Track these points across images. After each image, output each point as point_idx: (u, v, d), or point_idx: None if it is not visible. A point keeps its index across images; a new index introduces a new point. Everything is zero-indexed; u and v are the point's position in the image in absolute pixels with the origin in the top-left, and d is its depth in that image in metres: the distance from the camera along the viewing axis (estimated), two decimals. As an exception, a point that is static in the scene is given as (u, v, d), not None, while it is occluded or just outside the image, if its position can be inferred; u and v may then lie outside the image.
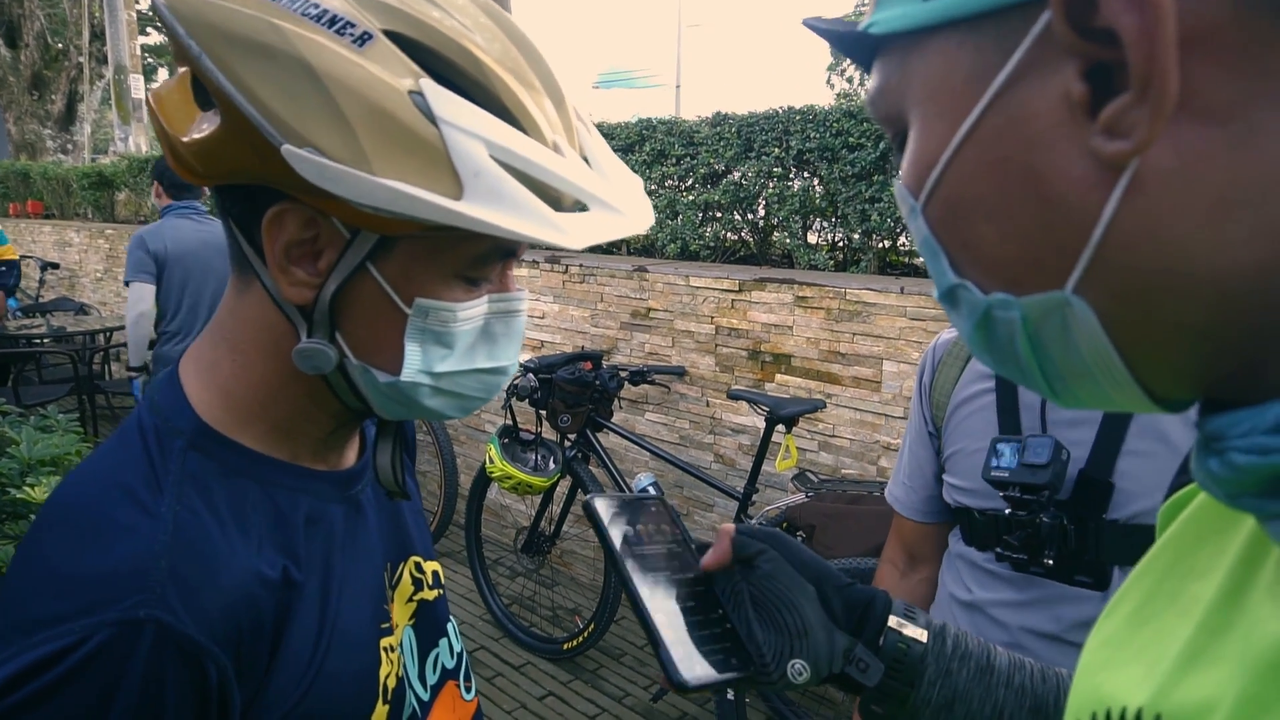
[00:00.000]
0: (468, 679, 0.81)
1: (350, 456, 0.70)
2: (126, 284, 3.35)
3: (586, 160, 0.60)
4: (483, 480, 3.37)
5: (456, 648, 0.81)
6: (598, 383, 3.02)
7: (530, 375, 2.98)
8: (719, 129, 3.46)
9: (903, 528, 1.29)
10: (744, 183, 3.41)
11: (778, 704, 2.62)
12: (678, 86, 19.81)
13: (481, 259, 0.58)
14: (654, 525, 0.65)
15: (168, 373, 0.63)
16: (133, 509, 0.53)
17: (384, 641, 0.67)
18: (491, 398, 0.66)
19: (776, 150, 3.25)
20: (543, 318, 3.85)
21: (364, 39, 0.51)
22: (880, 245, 3.17)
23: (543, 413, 3.09)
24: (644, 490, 3.05)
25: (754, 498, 2.79)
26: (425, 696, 0.73)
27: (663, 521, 0.66)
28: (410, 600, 0.74)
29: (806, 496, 2.59)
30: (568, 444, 3.14)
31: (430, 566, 0.79)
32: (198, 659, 0.51)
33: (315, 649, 0.59)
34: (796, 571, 0.62)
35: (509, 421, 3.07)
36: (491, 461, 2.93)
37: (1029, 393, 1.00)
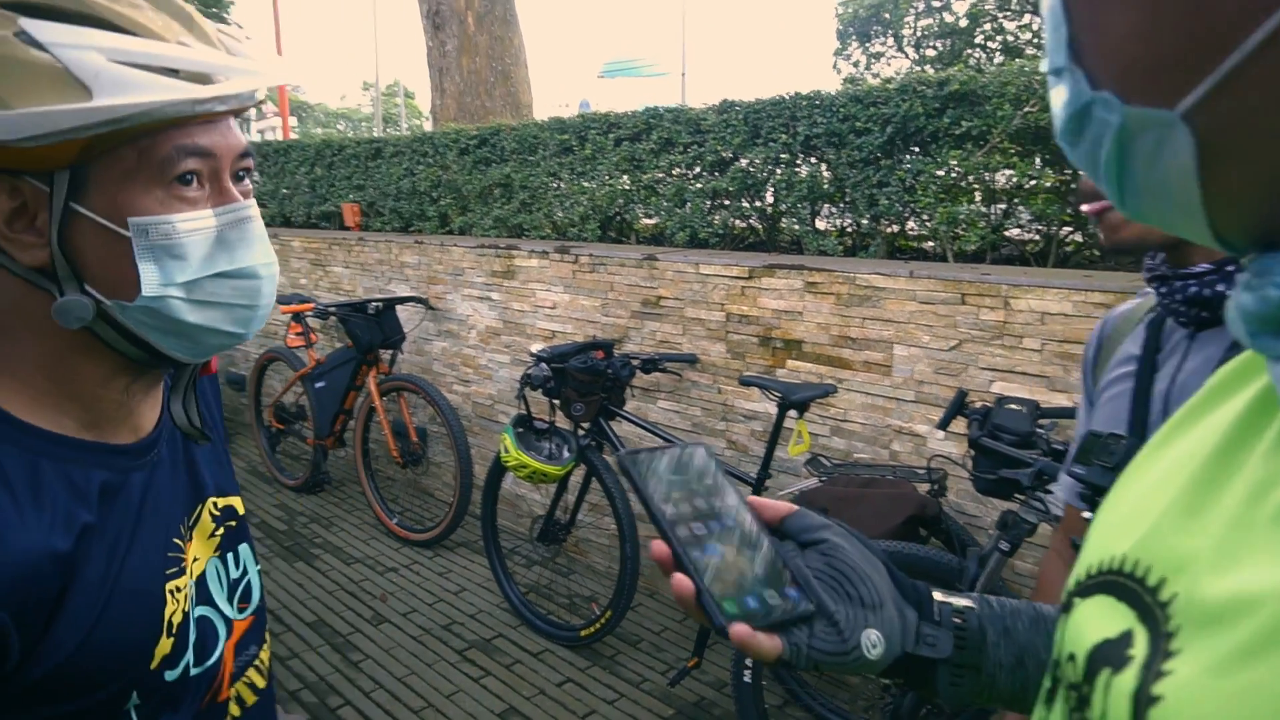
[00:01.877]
0: (244, 600, 0.86)
1: (149, 423, 0.76)
2: None
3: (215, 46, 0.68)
4: (498, 470, 3.41)
5: (254, 575, 0.89)
6: (610, 371, 3.04)
7: (543, 364, 3.01)
8: (726, 116, 3.46)
9: (1068, 515, 1.21)
10: (751, 170, 3.42)
11: (794, 686, 2.64)
12: (683, 74, 19.72)
13: (169, 161, 0.64)
14: (695, 476, 0.61)
15: None
16: None
17: (170, 585, 0.74)
18: (259, 304, 0.72)
19: (784, 137, 3.25)
20: (554, 308, 3.87)
21: None
22: (889, 230, 3.17)
23: (556, 402, 3.12)
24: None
25: (767, 483, 2.81)
26: (232, 614, 0.83)
27: (705, 474, 0.62)
28: (213, 536, 0.83)
29: (820, 481, 2.62)
30: (581, 432, 3.16)
31: (224, 501, 0.87)
32: None
33: (96, 602, 0.66)
34: (863, 545, 0.61)
35: (523, 411, 3.09)
36: (507, 451, 2.96)
37: (1162, 381, 0.98)
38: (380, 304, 4.23)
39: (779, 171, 3.33)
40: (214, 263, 0.67)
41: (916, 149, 2.98)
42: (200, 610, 0.78)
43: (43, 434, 0.66)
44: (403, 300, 4.41)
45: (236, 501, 0.89)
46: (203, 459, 0.85)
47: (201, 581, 0.80)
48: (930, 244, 3.29)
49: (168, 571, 0.74)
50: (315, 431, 4.66)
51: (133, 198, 0.64)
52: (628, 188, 3.86)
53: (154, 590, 0.72)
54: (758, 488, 2.79)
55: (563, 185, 4.17)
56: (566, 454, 3.01)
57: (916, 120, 2.88)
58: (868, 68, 22.56)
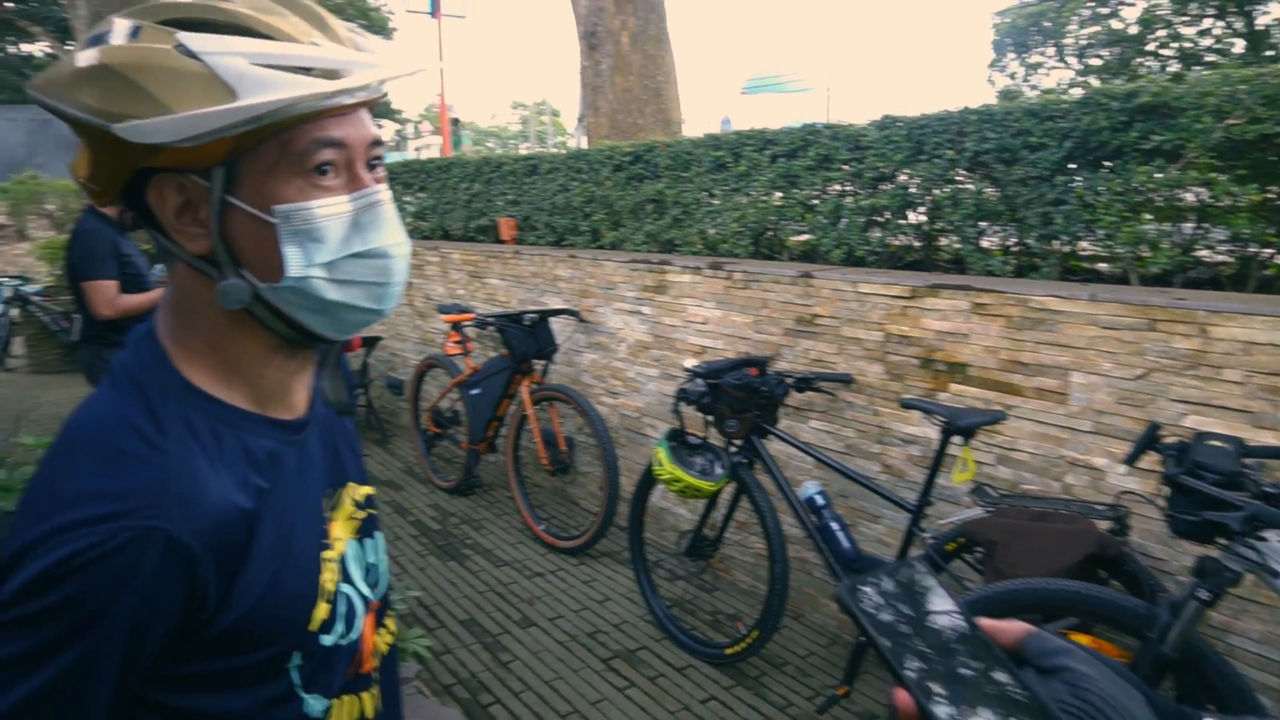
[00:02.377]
0: (375, 584, 0.93)
1: (302, 403, 0.85)
2: None
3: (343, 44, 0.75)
4: (647, 482, 3.44)
5: (384, 563, 0.96)
6: (764, 388, 3.02)
7: (698, 380, 3.02)
8: (887, 132, 3.38)
9: None
10: (912, 186, 3.32)
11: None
12: (828, 90, 19.43)
13: (307, 153, 0.71)
14: (920, 601, 0.57)
15: (145, 335, 0.78)
16: (144, 445, 0.69)
17: (324, 555, 0.82)
18: (392, 281, 0.79)
19: (950, 152, 3.15)
20: (705, 323, 3.89)
21: (135, 32, 0.69)
22: (1062, 250, 3.01)
23: (709, 417, 3.12)
24: (810, 498, 3.02)
25: (927, 510, 2.71)
26: (369, 594, 0.90)
27: (930, 597, 0.57)
28: (351, 519, 0.89)
29: (985, 511, 2.50)
30: (734, 449, 3.15)
31: (363, 490, 0.94)
32: (190, 561, 0.67)
33: (270, 560, 0.74)
34: (1115, 674, 0.54)
35: (677, 425, 3.11)
36: (660, 464, 2.98)
37: None
38: (535, 316, 4.37)
39: (943, 188, 3.22)
40: (350, 244, 0.74)
41: (1100, 165, 2.82)
42: (343, 587, 0.85)
43: (220, 403, 0.76)
44: (556, 313, 4.54)
45: (371, 491, 0.97)
46: (343, 446, 0.93)
47: (342, 560, 0.86)
48: (1106, 265, 3.10)
49: (321, 542, 0.82)
50: (469, 436, 4.86)
51: (276, 188, 0.71)
52: (781, 204, 3.83)
53: (312, 556, 0.80)
54: (917, 515, 2.70)
55: (715, 201, 4.18)
56: (719, 470, 3.00)
57: (1099, 134, 2.72)
58: (1025, 79, 21.55)
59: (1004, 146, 2.98)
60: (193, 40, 0.67)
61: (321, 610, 0.80)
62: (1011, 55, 21.69)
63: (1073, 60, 20.17)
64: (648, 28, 6.20)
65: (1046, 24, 19.98)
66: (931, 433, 3.00)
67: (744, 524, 3.70)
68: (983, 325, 2.81)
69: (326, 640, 0.81)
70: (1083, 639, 2.09)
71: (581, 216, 5.02)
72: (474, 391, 4.73)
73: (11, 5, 22.10)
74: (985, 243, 3.31)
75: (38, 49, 24.48)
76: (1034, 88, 21.82)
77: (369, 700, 0.89)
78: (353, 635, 0.85)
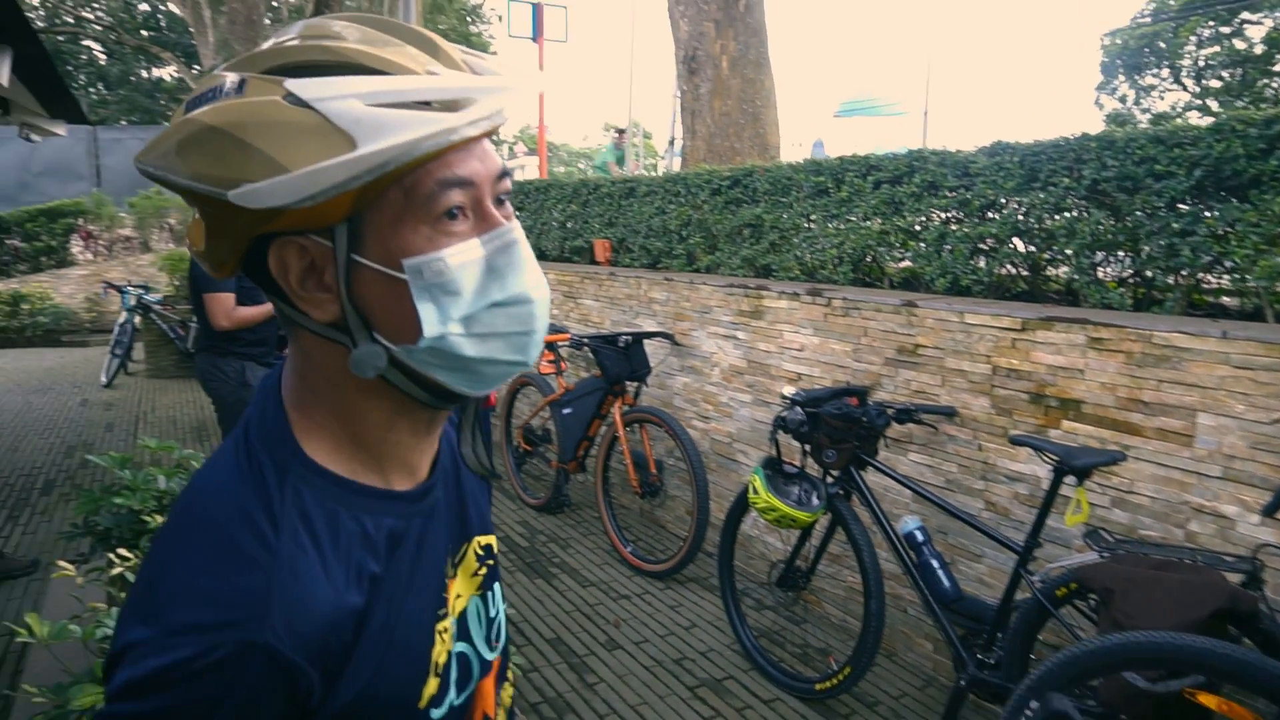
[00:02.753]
0: (496, 638, 0.87)
1: (426, 467, 0.78)
2: None
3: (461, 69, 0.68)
4: (739, 509, 3.40)
5: (503, 617, 0.90)
6: (864, 419, 2.95)
7: (797, 409, 2.97)
8: (998, 158, 3.28)
9: None
10: (1025, 215, 3.21)
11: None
12: (925, 113, 19.04)
13: (432, 197, 0.64)
14: None
15: (272, 393, 0.73)
16: (255, 542, 0.63)
17: (439, 626, 0.76)
18: (534, 329, 0.71)
19: (1066, 180, 3.03)
20: (801, 350, 3.83)
21: (240, 86, 0.63)
22: (1187, 283, 2.86)
23: (806, 446, 3.07)
24: (910, 534, 2.93)
25: (1036, 553, 2.60)
26: (489, 656, 0.84)
27: None
28: (475, 575, 0.84)
29: (1100, 556, 2.38)
30: (830, 480, 3.09)
31: (486, 540, 0.88)
32: (292, 674, 0.62)
33: (377, 647, 0.68)
34: None
35: (773, 453, 3.07)
36: (755, 492, 2.94)
37: None
38: (629, 337, 4.39)
39: (1058, 217, 3.10)
40: (487, 293, 0.67)
41: (1233, 194, 2.67)
42: (459, 647, 0.79)
43: (342, 481, 0.70)
44: (651, 335, 4.55)
45: (493, 540, 0.90)
46: (471, 498, 0.86)
47: (462, 619, 0.81)
48: (1235, 300, 2.92)
49: (438, 613, 0.76)
50: (559, 455, 4.90)
51: (404, 239, 0.65)
52: (882, 230, 3.76)
53: (425, 634, 0.74)
54: (1025, 557, 2.59)
55: (814, 227, 4.13)
56: (816, 501, 2.94)
57: (1234, 163, 2.58)
58: (1136, 102, 20.74)
59: (1126, 174, 2.85)
60: (301, 87, 0.61)
61: (430, 686, 0.74)
62: (1121, 77, 20.94)
63: (1189, 82, 19.34)
64: (748, 52, 6.20)
65: (1161, 44, 19.23)
66: (1041, 471, 2.88)
67: (836, 556, 3.62)
68: (1100, 361, 2.68)
69: (436, 714, 0.75)
70: (1210, 700, 1.95)
71: (678, 239, 5.03)
72: (566, 411, 4.78)
73: (145, 34, 23.67)
74: (1101, 274, 3.17)
75: (167, 73, 26.14)
76: (1145, 111, 20.99)
77: None
78: (466, 693, 0.80)
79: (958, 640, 2.76)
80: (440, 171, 0.64)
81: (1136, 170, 2.82)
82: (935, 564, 2.86)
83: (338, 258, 0.65)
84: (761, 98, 6.29)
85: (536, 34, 10.50)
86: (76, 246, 13.79)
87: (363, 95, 0.61)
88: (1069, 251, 3.10)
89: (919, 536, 2.91)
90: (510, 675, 0.93)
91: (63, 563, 2.52)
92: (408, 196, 0.64)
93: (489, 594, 0.86)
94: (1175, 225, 2.74)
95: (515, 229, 0.69)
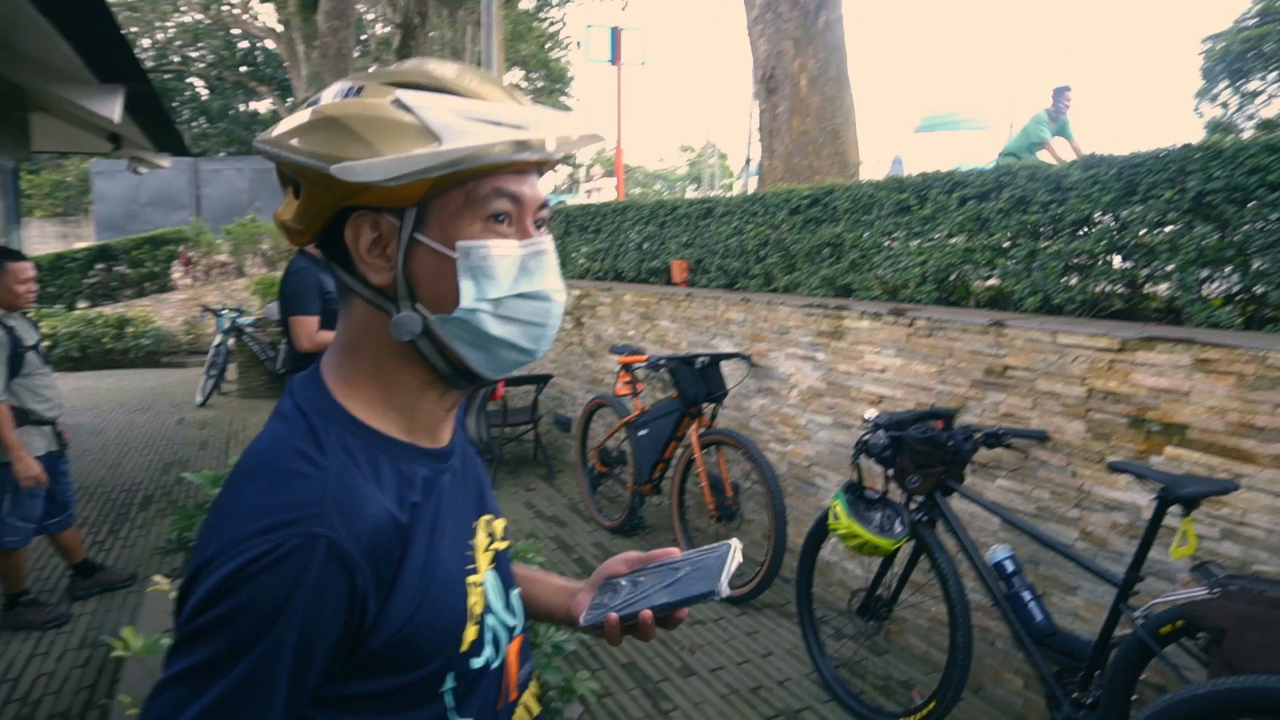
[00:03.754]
0: (515, 615, 0.97)
1: (447, 438, 0.90)
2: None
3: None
4: (818, 535, 3.31)
5: (518, 595, 1.01)
6: (950, 443, 2.84)
7: (881, 432, 2.88)
8: (1093, 172, 3.14)
9: None
10: (1123, 230, 3.06)
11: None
12: (1010, 127, 18.53)
13: (488, 199, 0.79)
14: None
15: (310, 372, 0.86)
16: (307, 464, 0.75)
17: (470, 579, 0.87)
18: (549, 324, 0.84)
19: (1169, 193, 2.88)
20: (883, 371, 3.73)
21: (359, 90, 0.79)
22: (1307, 301, 2.67)
23: (889, 471, 2.97)
24: (999, 563, 2.81)
25: (1137, 587, 2.44)
26: (512, 623, 0.94)
27: None
28: (488, 550, 0.93)
29: (1210, 592, 2.22)
30: (913, 506, 2.98)
31: (499, 523, 0.99)
32: (350, 567, 0.71)
33: (422, 578, 0.79)
34: None
35: (855, 478, 2.98)
36: (837, 518, 2.86)
37: None
38: (706, 359, 4.35)
39: (1159, 232, 2.95)
40: (518, 284, 0.81)
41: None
42: (488, 617, 0.89)
43: (378, 434, 0.82)
44: (728, 356, 4.50)
45: (502, 522, 1.01)
46: (484, 479, 1.00)
47: (484, 588, 0.90)
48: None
49: (466, 566, 0.87)
50: (635, 477, 4.87)
51: (459, 228, 0.79)
52: (968, 248, 3.64)
53: (459, 579, 0.85)
54: (1125, 591, 2.44)
55: (896, 245, 4.03)
56: (899, 527, 2.84)
57: (1356, 172, 2.41)
58: (1239, 109, 19.72)
59: (1235, 185, 2.69)
60: (407, 96, 0.77)
61: (470, 632, 0.85)
62: (1224, 83, 19.96)
63: (1298, 88, 18.31)
64: (828, 69, 6.14)
65: (1267, 48, 18.27)
66: (1142, 500, 2.72)
67: (920, 585, 3.48)
68: (1207, 383, 2.52)
69: (476, 663, 0.85)
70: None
71: (755, 260, 4.98)
72: (642, 433, 4.75)
73: (244, 70, 24.88)
74: (1205, 291, 3.00)
75: (263, 106, 27.40)
76: (1250, 118, 19.94)
77: None
78: (499, 660, 0.90)
79: (1051, 678, 2.62)
80: (496, 182, 0.79)
81: (1247, 181, 2.66)
82: (1027, 596, 2.72)
83: (402, 235, 0.79)
84: (841, 115, 6.21)
85: (615, 58, 10.62)
86: (177, 272, 14.50)
87: (452, 108, 0.77)
88: (1170, 268, 2.94)
89: (1009, 567, 2.78)
90: (534, 689, 1.03)
91: (157, 577, 2.61)
92: (468, 197, 0.79)
93: (503, 571, 0.96)
94: (1290, 239, 2.57)
95: (547, 241, 0.84)
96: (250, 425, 8.49)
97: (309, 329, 3.88)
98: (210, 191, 18.18)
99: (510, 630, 0.94)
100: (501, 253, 0.80)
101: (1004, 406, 3.17)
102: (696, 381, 4.35)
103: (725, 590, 0.88)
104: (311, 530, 0.70)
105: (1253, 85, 19.20)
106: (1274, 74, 18.60)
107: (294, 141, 0.78)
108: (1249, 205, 2.68)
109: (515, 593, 0.99)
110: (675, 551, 0.99)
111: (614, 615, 0.92)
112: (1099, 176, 3.11)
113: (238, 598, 0.67)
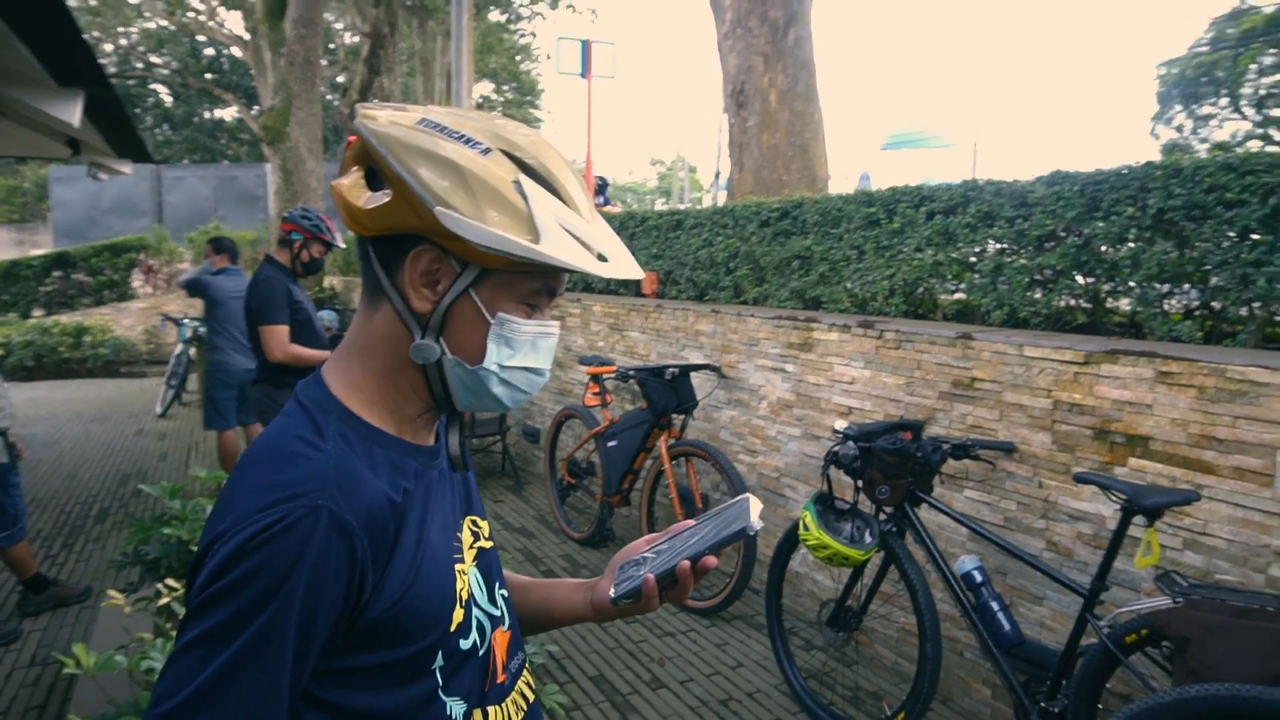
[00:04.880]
0: (502, 612, 1.05)
1: (431, 439, 0.99)
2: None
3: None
4: (787, 546, 3.31)
5: (505, 593, 1.08)
6: (919, 454, 2.86)
7: (850, 443, 2.89)
8: (1057, 188, 3.20)
9: None
10: (1086, 245, 3.11)
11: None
12: (974, 145, 18.83)
13: (536, 291, 0.90)
14: None
15: (313, 375, 0.93)
16: (308, 448, 0.83)
17: (458, 566, 0.95)
18: (531, 393, 0.95)
19: (1130, 209, 2.94)
20: (852, 383, 3.75)
21: (486, 150, 0.85)
22: (1262, 315, 2.73)
23: (859, 482, 2.98)
24: (968, 574, 2.83)
25: (1102, 596, 2.47)
26: (496, 613, 1.02)
27: None
28: (471, 547, 1.00)
29: (1174, 601, 2.25)
30: (883, 517, 2.99)
31: (483, 524, 1.07)
32: (350, 537, 0.79)
33: (414, 557, 0.86)
34: None
35: (825, 489, 2.99)
36: (806, 529, 2.86)
37: None
38: (676, 370, 4.34)
39: (1121, 248, 3.00)
40: (525, 358, 0.91)
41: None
42: (474, 609, 0.97)
43: (374, 428, 0.90)
44: (698, 368, 4.50)
45: (486, 525, 1.09)
46: (471, 484, 1.08)
47: (469, 586, 0.97)
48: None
49: (453, 555, 0.95)
50: (604, 488, 4.85)
51: (504, 300, 0.88)
52: (937, 261, 3.68)
53: (448, 564, 0.92)
54: (1091, 601, 2.46)
55: (866, 259, 4.07)
56: (869, 538, 2.85)
57: (1310, 190, 2.47)
58: (1194, 132, 20.26)
59: (1194, 203, 2.75)
60: (528, 187, 0.85)
61: (458, 614, 0.92)
62: (1178, 107, 20.51)
63: (1250, 111, 18.87)
64: (797, 85, 6.19)
65: (1219, 73, 18.82)
66: (1106, 510, 2.76)
67: (889, 596, 3.50)
68: (1170, 396, 2.57)
69: (464, 644, 0.93)
70: (1301, 760, 1.82)
71: (725, 272, 5.00)
72: (611, 444, 4.73)
73: (209, 77, 24.56)
74: (1166, 306, 3.05)
75: (228, 114, 27.05)
76: (1204, 141, 20.49)
77: (512, 708, 1.02)
78: (485, 647, 0.98)
79: (1020, 687, 2.64)
80: (549, 281, 0.90)
81: (1205, 198, 2.72)
82: (995, 606, 2.74)
83: (458, 283, 0.87)
84: (810, 130, 6.27)
85: (585, 71, 10.63)
86: (137, 280, 14.23)
87: (556, 215, 0.86)
88: (1133, 283, 2.99)
89: (977, 577, 2.80)
90: (528, 675, 1.10)
91: (112, 592, 2.53)
92: (524, 280, 0.88)
93: (489, 571, 1.04)
94: (1248, 255, 2.63)
95: (556, 326, 0.96)
96: (211, 437, 8.32)
97: (280, 339, 3.82)
98: (173, 199, 17.89)
99: (494, 620, 1.01)
100: (526, 330, 0.90)
101: (971, 418, 3.20)
102: (666, 393, 4.35)
103: (758, 525, 0.95)
104: (315, 502, 0.77)
105: (1205, 110, 19.74)
106: (1225, 99, 19.16)
107: (408, 159, 0.83)
108: (1207, 223, 2.73)
109: (500, 590, 1.06)
110: (691, 521, 1.06)
111: (651, 576, 0.98)
112: (1063, 193, 3.16)
113: (248, 564, 0.74)
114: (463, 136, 0.85)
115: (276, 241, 4.24)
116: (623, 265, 0.91)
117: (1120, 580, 2.69)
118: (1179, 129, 20.27)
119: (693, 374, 4.48)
